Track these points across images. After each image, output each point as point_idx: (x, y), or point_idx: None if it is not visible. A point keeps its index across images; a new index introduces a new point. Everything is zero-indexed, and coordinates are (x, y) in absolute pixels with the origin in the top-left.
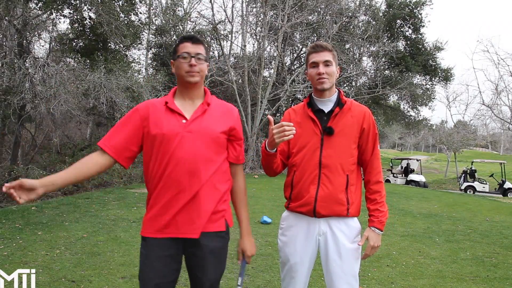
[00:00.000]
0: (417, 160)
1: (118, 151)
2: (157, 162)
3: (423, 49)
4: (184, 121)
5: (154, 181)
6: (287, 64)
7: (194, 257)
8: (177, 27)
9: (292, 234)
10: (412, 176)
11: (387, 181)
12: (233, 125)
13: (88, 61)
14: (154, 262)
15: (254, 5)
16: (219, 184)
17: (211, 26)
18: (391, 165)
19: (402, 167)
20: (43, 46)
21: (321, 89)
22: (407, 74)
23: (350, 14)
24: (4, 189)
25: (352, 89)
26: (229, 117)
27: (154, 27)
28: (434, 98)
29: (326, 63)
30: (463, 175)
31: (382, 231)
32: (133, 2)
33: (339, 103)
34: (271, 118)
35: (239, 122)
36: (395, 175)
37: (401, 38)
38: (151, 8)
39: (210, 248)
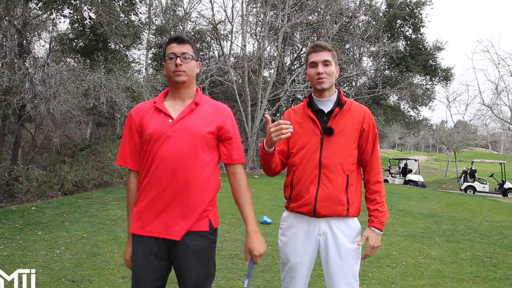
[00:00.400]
0: (415, 160)
1: (139, 163)
2: (143, 161)
3: (423, 49)
4: (170, 120)
5: (140, 179)
6: (287, 64)
7: (177, 256)
8: (177, 27)
9: (292, 234)
10: (410, 176)
11: (385, 181)
12: (221, 124)
13: (88, 61)
14: (139, 259)
15: (254, 5)
16: (204, 184)
17: (211, 26)
18: (389, 165)
19: (399, 167)
20: (43, 46)
21: (320, 89)
22: (407, 74)
23: (350, 14)
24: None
25: (352, 89)
26: (217, 116)
27: (154, 27)
28: (434, 98)
29: (325, 63)
30: (463, 175)
31: (382, 231)
32: (133, 2)
33: (339, 103)
34: (268, 116)
35: (230, 120)
36: (393, 175)
37: (401, 38)
38: (151, 8)
39: (192, 248)
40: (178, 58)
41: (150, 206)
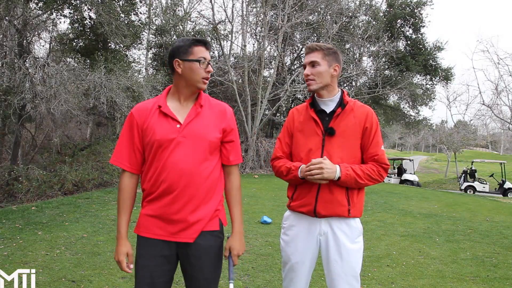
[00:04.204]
0: (410, 160)
1: (136, 165)
2: (153, 166)
3: (423, 49)
4: (178, 125)
5: (149, 184)
6: (287, 64)
7: (189, 257)
8: (177, 27)
9: (294, 233)
10: (406, 176)
11: None
12: (225, 127)
13: (88, 61)
14: (147, 261)
15: (254, 5)
16: (214, 186)
17: (211, 26)
18: None
19: (394, 167)
20: (43, 46)
21: (310, 91)
22: (407, 74)
23: (350, 14)
24: (128, 270)
25: (352, 89)
26: (222, 119)
27: (154, 27)
28: (434, 98)
29: (312, 64)
30: (463, 175)
31: (340, 177)
32: (133, 2)
33: (342, 103)
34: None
35: (232, 122)
36: (388, 175)
37: (401, 38)
38: (151, 8)
39: (205, 248)
40: (210, 65)
41: (162, 210)
